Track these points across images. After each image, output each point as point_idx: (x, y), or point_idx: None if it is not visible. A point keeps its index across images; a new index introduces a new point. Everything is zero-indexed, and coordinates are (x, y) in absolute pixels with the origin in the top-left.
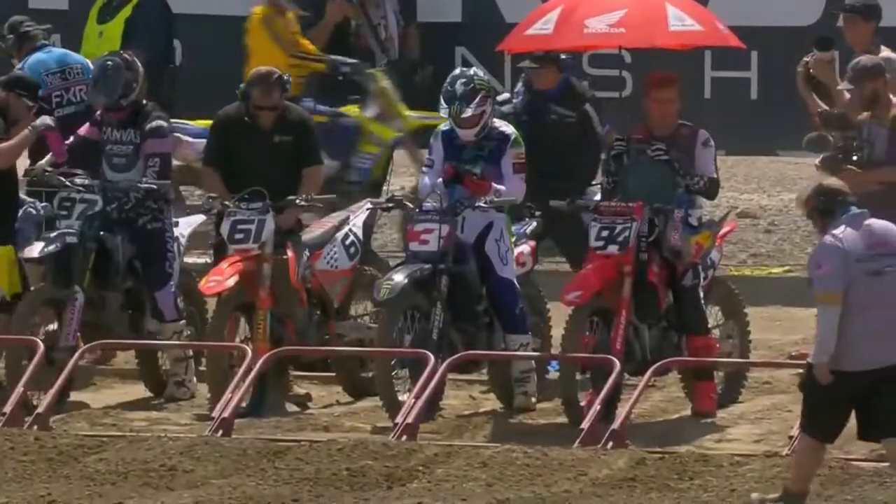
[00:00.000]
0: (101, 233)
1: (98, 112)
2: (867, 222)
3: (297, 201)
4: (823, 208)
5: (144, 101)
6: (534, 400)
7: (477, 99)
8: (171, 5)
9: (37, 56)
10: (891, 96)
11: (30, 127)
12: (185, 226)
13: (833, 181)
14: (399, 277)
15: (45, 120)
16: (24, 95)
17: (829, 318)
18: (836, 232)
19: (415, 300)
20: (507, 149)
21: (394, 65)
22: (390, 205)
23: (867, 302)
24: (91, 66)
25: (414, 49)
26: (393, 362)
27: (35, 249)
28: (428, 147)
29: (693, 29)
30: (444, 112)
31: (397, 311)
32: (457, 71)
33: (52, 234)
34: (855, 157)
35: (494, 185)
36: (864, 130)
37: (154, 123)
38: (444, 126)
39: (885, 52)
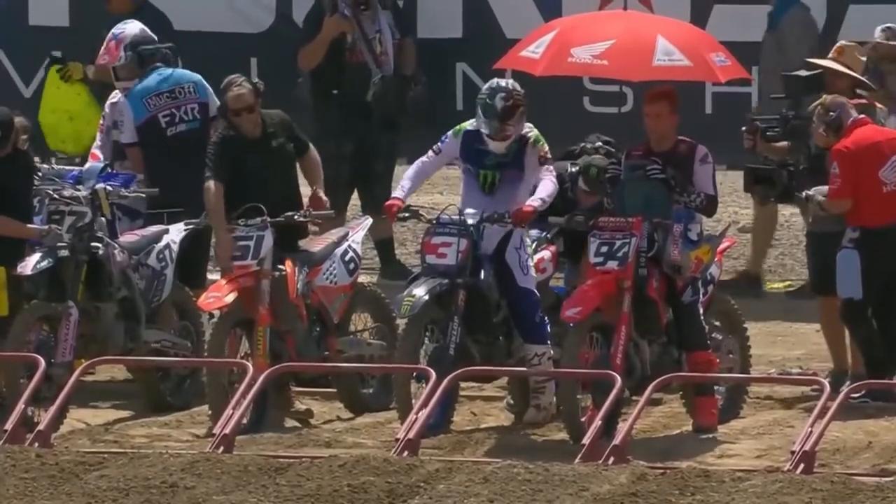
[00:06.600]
0: (92, 244)
1: None
2: None
3: (296, 217)
4: None
5: None
6: (548, 414)
7: (516, 115)
8: (172, 22)
9: (144, 83)
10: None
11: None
12: (176, 232)
13: None
14: (420, 292)
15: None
16: None
17: None
18: None
19: (434, 314)
20: (527, 148)
21: (387, 80)
22: (406, 215)
23: None
24: (205, 85)
25: (410, 62)
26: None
27: (28, 266)
28: (442, 137)
29: (680, 64)
30: (483, 127)
31: (418, 327)
32: (494, 83)
33: (43, 250)
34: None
35: (530, 201)
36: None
37: None
38: (469, 126)
39: None
